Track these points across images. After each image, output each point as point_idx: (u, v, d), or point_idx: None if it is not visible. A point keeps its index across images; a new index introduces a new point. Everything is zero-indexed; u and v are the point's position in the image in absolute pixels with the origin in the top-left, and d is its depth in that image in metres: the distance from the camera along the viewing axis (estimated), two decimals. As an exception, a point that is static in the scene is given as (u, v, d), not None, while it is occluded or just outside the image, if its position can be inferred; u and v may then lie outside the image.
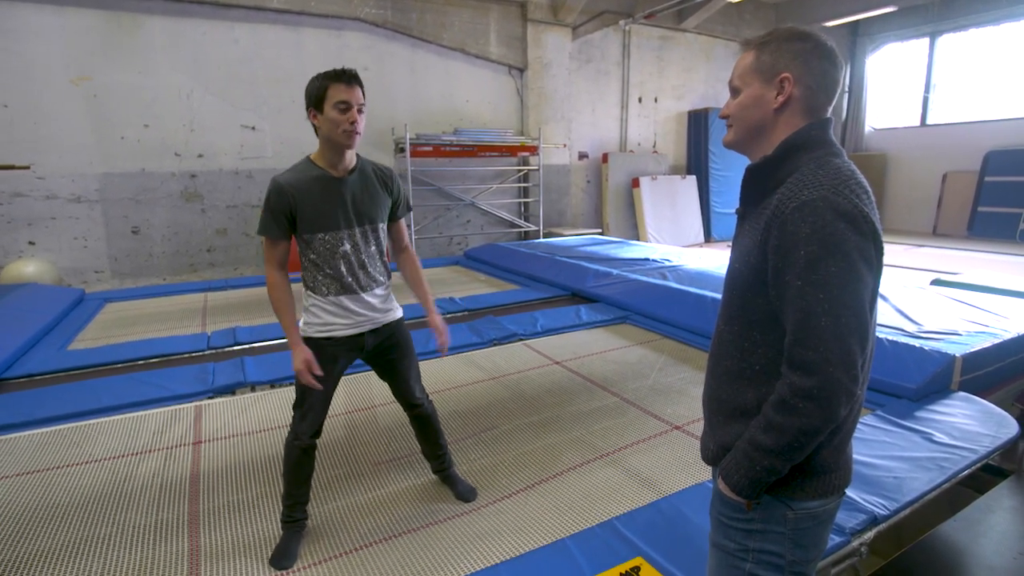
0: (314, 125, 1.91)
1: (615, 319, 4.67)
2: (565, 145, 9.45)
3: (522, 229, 9.34)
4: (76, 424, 2.95)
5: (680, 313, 4.34)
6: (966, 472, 2.24)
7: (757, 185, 1.15)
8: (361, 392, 3.33)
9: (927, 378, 2.84)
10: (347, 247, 1.97)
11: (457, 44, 8.29)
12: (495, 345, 4.11)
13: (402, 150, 7.77)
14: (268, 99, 7.29)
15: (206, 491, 2.38)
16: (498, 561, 1.87)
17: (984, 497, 2.36)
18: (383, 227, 2.09)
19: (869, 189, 1.07)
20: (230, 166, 7.25)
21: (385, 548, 2.00)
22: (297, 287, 2.12)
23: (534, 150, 8.75)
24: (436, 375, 3.54)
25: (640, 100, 10.42)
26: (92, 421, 2.99)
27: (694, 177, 10.59)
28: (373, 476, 2.48)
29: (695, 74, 10.97)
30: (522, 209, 9.51)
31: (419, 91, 8.26)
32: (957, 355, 2.92)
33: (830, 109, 1.14)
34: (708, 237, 10.61)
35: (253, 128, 7.30)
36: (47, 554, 2.00)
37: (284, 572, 1.90)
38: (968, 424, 2.56)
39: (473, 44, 8.43)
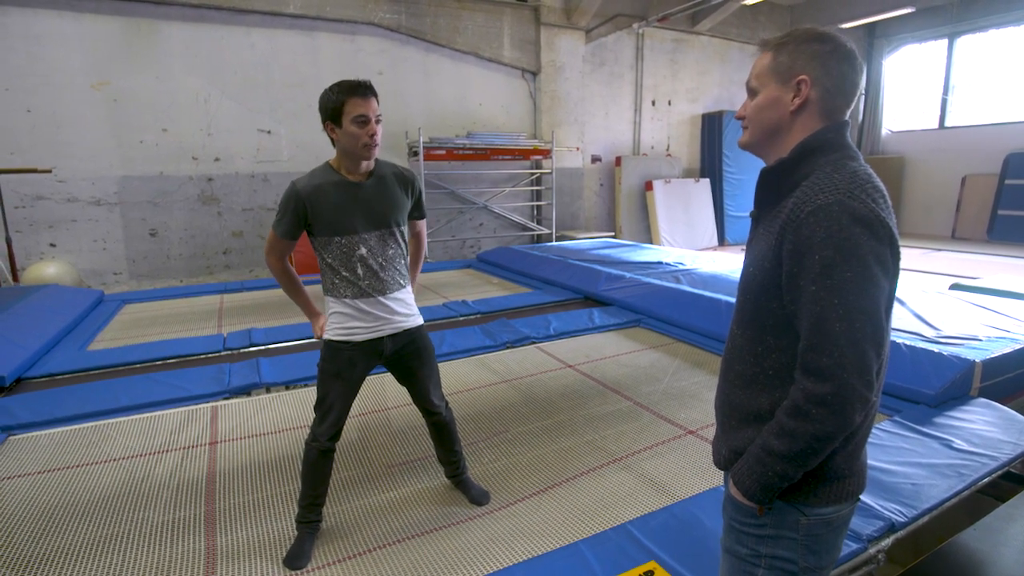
0: (331, 138, 1.92)
1: (628, 323, 4.65)
2: (578, 148, 9.46)
3: (534, 232, 9.34)
4: (95, 423, 3.00)
5: (694, 317, 4.32)
6: (986, 480, 2.21)
7: (771, 188, 1.14)
8: (375, 394, 3.35)
9: (946, 384, 2.80)
10: (363, 251, 1.98)
11: (470, 48, 8.33)
12: (508, 348, 4.11)
13: (415, 153, 7.83)
14: (284, 103, 7.37)
15: (222, 491, 2.41)
16: (511, 564, 1.87)
17: (1005, 505, 2.32)
18: (402, 231, 2.09)
19: (886, 193, 1.05)
20: (246, 170, 7.34)
21: (398, 550, 2.01)
22: (316, 290, 2.15)
23: (547, 153, 8.76)
24: (449, 377, 3.54)
25: (653, 103, 10.40)
26: (111, 420, 3.03)
27: (708, 180, 10.54)
28: (386, 478, 2.49)
29: (709, 77, 10.92)
30: (535, 212, 9.52)
31: (432, 95, 8.31)
32: (977, 360, 2.87)
33: (848, 112, 1.13)
34: (722, 240, 10.55)
35: (269, 132, 7.38)
36: (67, 551, 2.03)
37: (298, 572, 1.92)
38: (988, 431, 2.52)
39: (486, 48, 8.46)
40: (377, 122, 1.88)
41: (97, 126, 6.53)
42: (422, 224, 2.32)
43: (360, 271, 1.98)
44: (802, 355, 1.03)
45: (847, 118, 1.13)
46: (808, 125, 1.11)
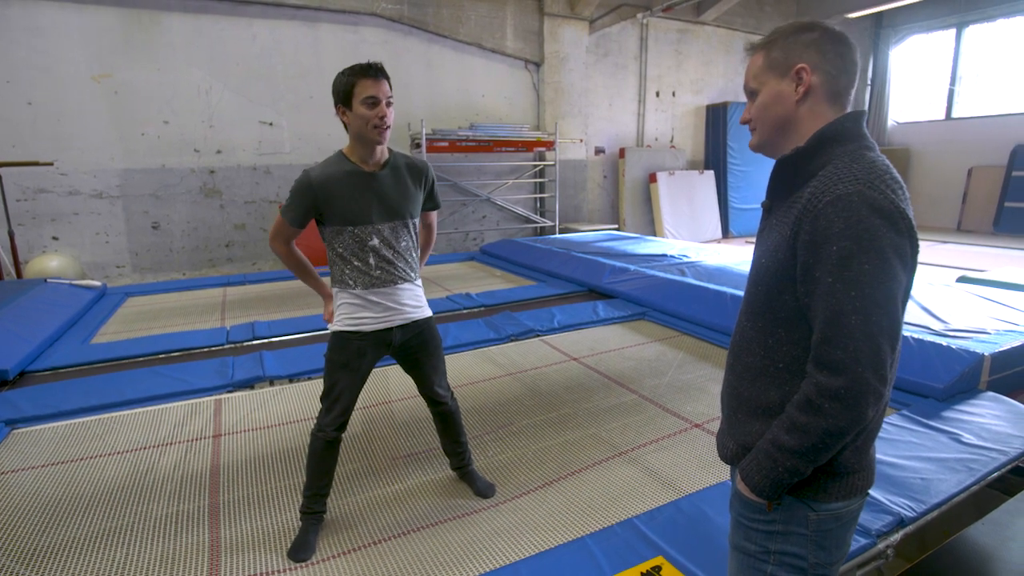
0: (343, 122, 1.92)
1: (632, 315, 4.63)
2: (581, 140, 9.40)
3: (538, 225, 9.31)
4: (99, 417, 3.00)
5: (699, 310, 4.30)
6: (995, 474, 2.19)
7: (787, 178, 1.12)
8: (378, 387, 3.34)
9: (955, 377, 2.77)
10: (376, 241, 1.97)
11: (473, 39, 8.27)
12: (512, 341, 4.10)
13: (418, 145, 7.79)
14: (286, 95, 7.33)
15: (226, 483, 2.40)
16: (518, 559, 1.86)
17: (1013, 500, 2.30)
18: (414, 223, 2.08)
19: (904, 184, 1.04)
20: (248, 162, 7.31)
21: (403, 543, 2.00)
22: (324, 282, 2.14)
23: (550, 145, 8.71)
24: (453, 370, 3.52)
25: (658, 94, 10.32)
26: (114, 414, 3.03)
27: (712, 172, 10.48)
28: (390, 471, 2.49)
29: (714, 68, 10.83)
30: (538, 204, 9.48)
31: (435, 86, 8.26)
32: (985, 354, 2.85)
33: (853, 92, 1.12)
34: (726, 233, 10.50)
35: (271, 124, 7.35)
36: (72, 544, 2.03)
37: (302, 564, 1.91)
38: (997, 425, 2.50)
39: (489, 39, 8.40)
40: (388, 104, 1.88)
41: (98, 118, 6.50)
42: (434, 215, 2.30)
43: (372, 261, 1.97)
44: (815, 348, 1.01)
45: (864, 108, 1.11)
46: (817, 111, 1.10)
